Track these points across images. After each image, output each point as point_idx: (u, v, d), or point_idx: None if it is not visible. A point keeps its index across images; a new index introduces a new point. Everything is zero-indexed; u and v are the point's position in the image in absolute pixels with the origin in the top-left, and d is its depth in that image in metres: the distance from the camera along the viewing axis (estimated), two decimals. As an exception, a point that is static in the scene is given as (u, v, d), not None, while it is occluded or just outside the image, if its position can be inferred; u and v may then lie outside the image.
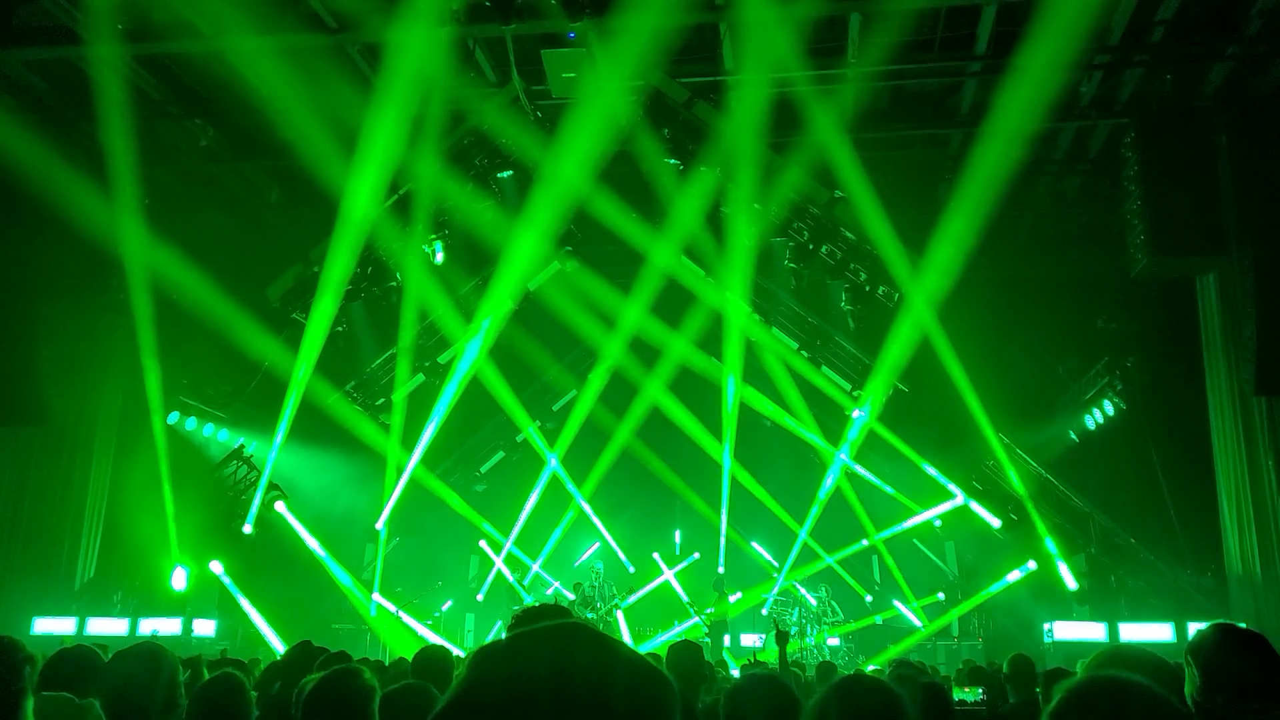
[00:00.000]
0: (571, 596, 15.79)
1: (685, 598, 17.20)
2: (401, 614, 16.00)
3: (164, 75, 13.17)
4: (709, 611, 15.37)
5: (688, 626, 15.91)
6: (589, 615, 14.56)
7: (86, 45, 11.35)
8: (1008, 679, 5.80)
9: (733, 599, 15.80)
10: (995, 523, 15.22)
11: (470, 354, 15.57)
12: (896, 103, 13.93)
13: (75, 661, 3.46)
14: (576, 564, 18.52)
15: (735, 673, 7.82)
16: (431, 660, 4.44)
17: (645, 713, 1.01)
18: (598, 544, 18.41)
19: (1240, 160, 12.15)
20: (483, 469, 18.93)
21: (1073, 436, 16.01)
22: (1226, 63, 12.14)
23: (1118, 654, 2.79)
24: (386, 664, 6.79)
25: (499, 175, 14.65)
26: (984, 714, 5.04)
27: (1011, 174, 12.20)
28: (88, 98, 12.05)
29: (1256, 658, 2.59)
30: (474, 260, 15.67)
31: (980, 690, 5.42)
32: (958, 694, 5.44)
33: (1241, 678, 2.52)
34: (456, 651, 10.33)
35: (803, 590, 16.59)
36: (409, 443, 16.00)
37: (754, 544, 17.77)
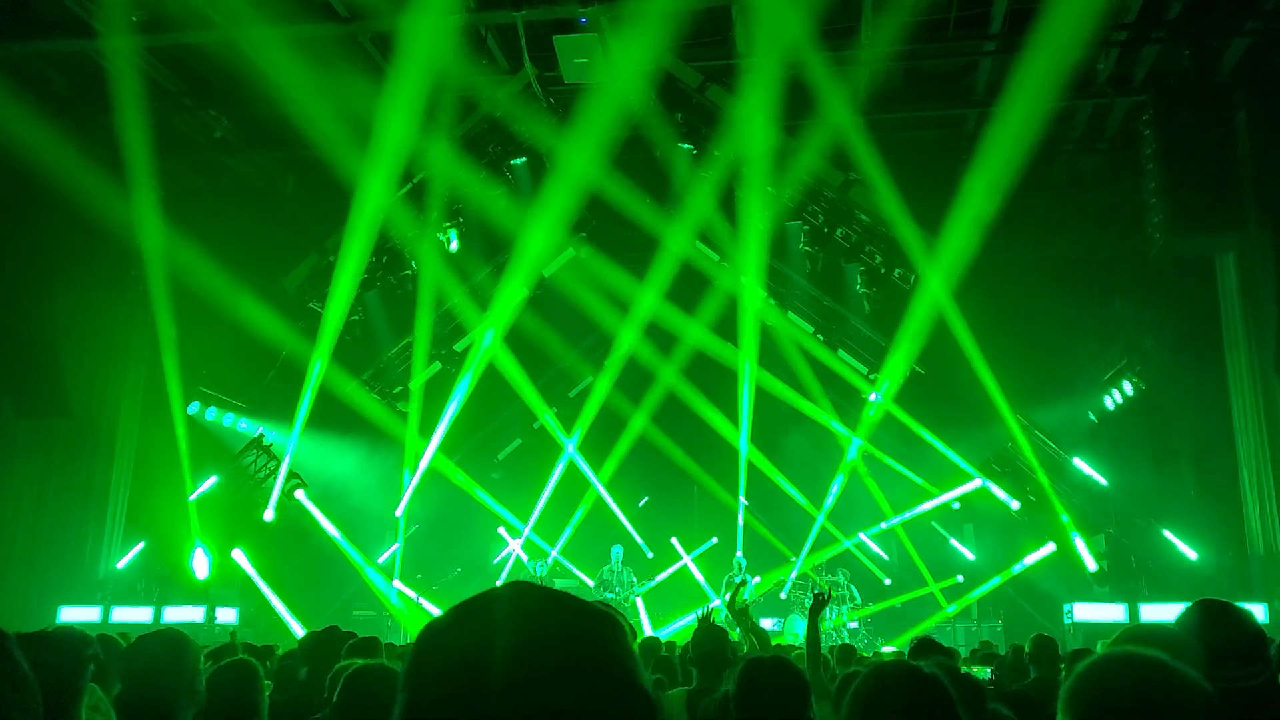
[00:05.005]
0: (589, 582, 15.82)
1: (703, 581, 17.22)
2: (422, 600, 16.11)
3: (178, 67, 13.24)
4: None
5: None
6: (608, 596, 14.61)
7: (102, 37, 11.41)
8: (1030, 658, 5.85)
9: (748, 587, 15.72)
10: (1014, 504, 15.17)
11: (486, 341, 15.61)
12: (911, 83, 13.82)
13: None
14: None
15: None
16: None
17: (599, 658, 0.96)
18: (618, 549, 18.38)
19: (1260, 138, 11.99)
20: (500, 456, 18.98)
21: (1091, 417, 15.92)
22: (1245, 38, 11.96)
23: (1137, 633, 2.80)
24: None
25: (512, 162, 14.65)
26: (993, 693, 5.15)
27: (1028, 154, 12.09)
28: (104, 91, 12.13)
29: (1232, 628, 2.76)
30: (489, 248, 15.69)
31: (990, 670, 5.53)
32: (966, 672, 5.58)
33: (1221, 647, 2.67)
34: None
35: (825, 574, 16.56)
36: (426, 431, 16.07)
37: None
